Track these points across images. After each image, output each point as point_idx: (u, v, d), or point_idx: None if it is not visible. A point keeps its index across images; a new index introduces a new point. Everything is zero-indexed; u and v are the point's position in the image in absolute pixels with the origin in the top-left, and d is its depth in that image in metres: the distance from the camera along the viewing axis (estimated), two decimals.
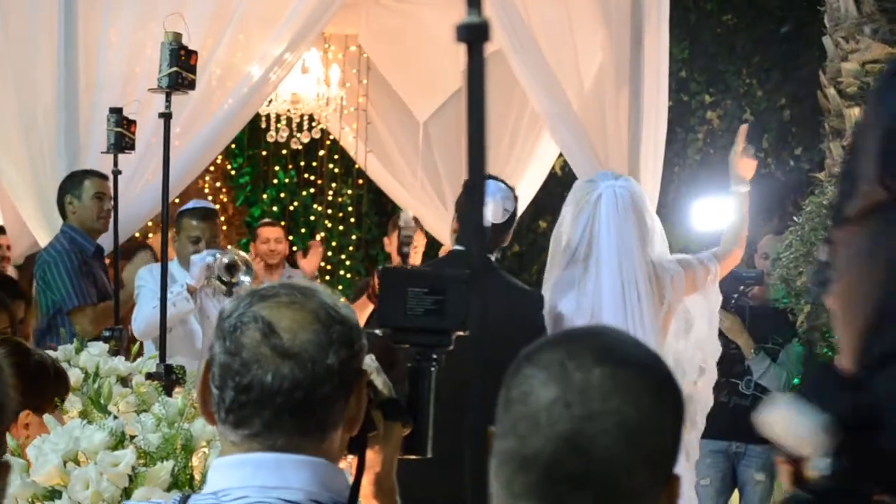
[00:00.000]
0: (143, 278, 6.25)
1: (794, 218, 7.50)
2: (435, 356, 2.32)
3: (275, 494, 2.00)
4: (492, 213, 5.20)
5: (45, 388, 3.56)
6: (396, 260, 8.29)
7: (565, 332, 1.79)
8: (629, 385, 1.64)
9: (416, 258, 8.21)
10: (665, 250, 5.53)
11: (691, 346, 5.55)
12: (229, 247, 6.58)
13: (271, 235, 8.97)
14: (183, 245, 6.45)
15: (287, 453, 2.02)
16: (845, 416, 1.88)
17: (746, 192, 5.75)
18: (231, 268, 6.04)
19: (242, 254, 6.20)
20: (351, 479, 2.09)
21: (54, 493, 2.78)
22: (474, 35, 1.12)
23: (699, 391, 5.59)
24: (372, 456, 2.16)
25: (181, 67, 4.57)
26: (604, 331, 1.74)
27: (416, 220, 7.76)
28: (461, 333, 2.30)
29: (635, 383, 1.64)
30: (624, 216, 5.25)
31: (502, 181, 5.55)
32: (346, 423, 2.08)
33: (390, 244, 8.75)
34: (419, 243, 8.21)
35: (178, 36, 4.58)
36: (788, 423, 1.89)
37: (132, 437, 2.86)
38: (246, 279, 6.01)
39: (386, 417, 2.20)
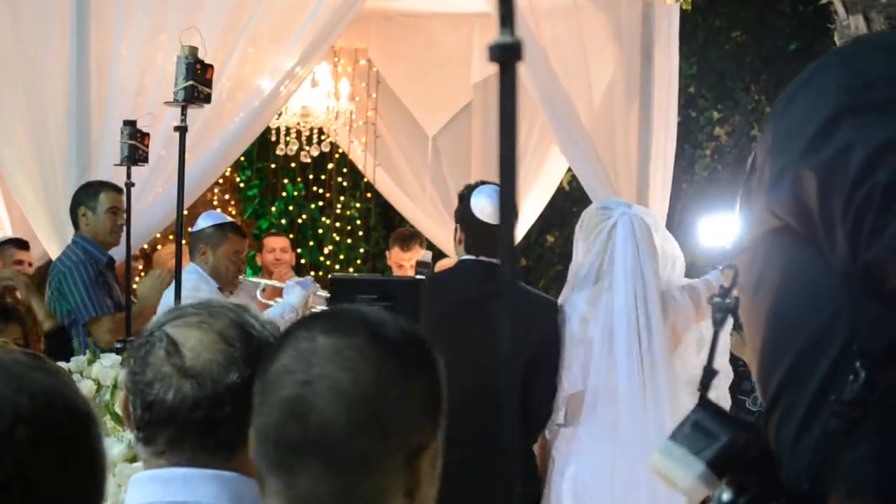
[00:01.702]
0: (164, 306, 6.29)
1: None
2: None
3: None
4: (490, 214, 5.20)
5: None
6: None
7: (325, 310, 1.82)
8: (348, 351, 1.65)
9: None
10: (680, 274, 5.51)
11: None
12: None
13: (277, 245, 8.99)
14: (227, 259, 6.52)
15: (195, 468, 2.04)
16: (721, 461, 1.87)
17: None
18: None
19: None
20: None
21: None
22: (507, 55, 1.13)
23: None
24: None
25: (197, 81, 4.59)
26: (349, 307, 1.76)
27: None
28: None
29: (357, 350, 1.66)
30: (642, 244, 5.25)
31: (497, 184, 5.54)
32: None
33: (390, 258, 8.77)
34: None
35: (194, 50, 4.60)
36: (669, 474, 1.88)
37: None
38: None
39: None
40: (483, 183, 5.40)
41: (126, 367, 2.10)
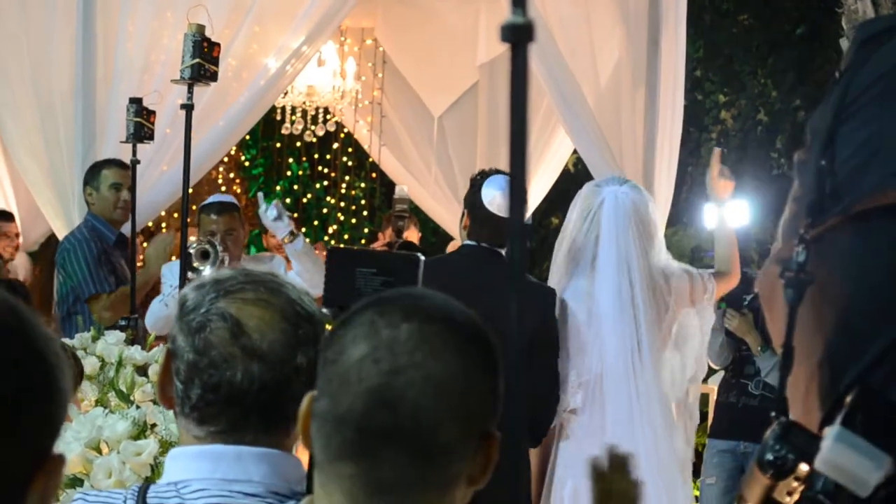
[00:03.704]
0: (164, 275, 6.28)
1: None
2: None
3: (236, 488, 2.00)
4: (499, 206, 5.20)
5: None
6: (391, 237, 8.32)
7: (378, 295, 1.77)
8: (435, 340, 1.64)
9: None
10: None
11: (686, 357, 5.51)
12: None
13: None
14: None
15: (247, 447, 2.02)
16: None
17: (727, 212, 5.76)
18: (205, 255, 5.98)
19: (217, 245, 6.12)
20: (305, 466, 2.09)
21: (76, 481, 2.80)
22: (519, 35, 1.12)
23: (691, 403, 5.57)
24: None
25: (203, 59, 4.58)
26: (414, 291, 1.77)
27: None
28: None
29: (441, 338, 1.65)
30: (624, 223, 5.22)
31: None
32: None
33: (383, 238, 8.77)
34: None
35: (201, 28, 4.59)
36: (847, 464, 1.86)
37: (153, 427, 2.87)
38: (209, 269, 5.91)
39: None
40: (497, 172, 5.38)
41: (177, 346, 2.04)
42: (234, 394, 2.00)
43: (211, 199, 6.72)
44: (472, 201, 5.27)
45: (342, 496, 1.65)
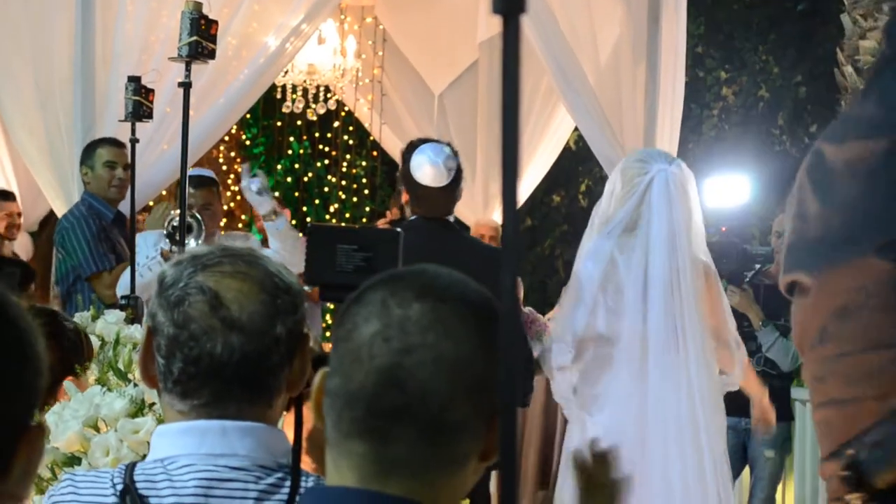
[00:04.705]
0: (138, 245, 6.12)
1: None
2: None
3: (222, 462, 2.01)
4: (432, 178, 5.12)
5: (80, 357, 3.58)
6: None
7: (390, 272, 1.77)
8: (447, 319, 1.64)
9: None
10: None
11: None
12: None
13: None
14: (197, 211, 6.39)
15: (233, 420, 2.03)
16: None
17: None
18: (189, 229, 5.85)
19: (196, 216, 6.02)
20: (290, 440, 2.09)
21: (74, 460, 2.80)
22: (510, 7, 1.11)
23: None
24: (304, 412, 2.14)
25: (201, 37, 4.56)
26: (428, 268, 1.74)
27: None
28: None
29: (453, 318, 1.65)
30: (676, 204, 5.16)
31: (438, 141, 5.46)
32: (288, 385, 2.09)
33: (390, 217, 8.75)
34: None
35: (198, 5, 4.57)
36: None
37: (151, 405, 2.87)
38: (192, 243, 5.80)
39: None
40: (424, 141, 5.31)
41: (157, 322, 2.04)
42: (215, 366, 2.01)
43: (189, 172, 6.68)
44: (405, 177, 5.20)
45: (353, 473, 1.65)
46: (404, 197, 5.24)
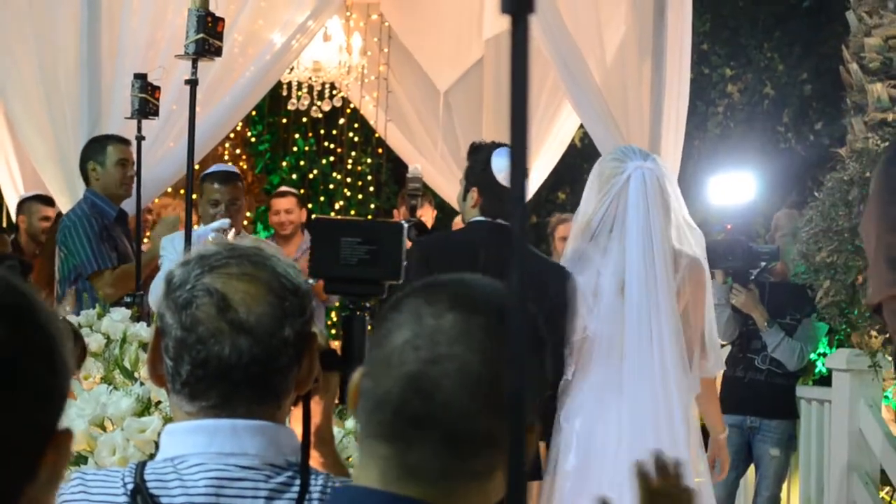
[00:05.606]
0: (165, 248, 6.16)
1: (815, 193, 7.46)
2: (368, 305, 2.34)
3: (232, 461, 2.01)
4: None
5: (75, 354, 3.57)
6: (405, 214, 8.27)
7: (430, 279, 1.77)
8: (476, 332, 1.64)
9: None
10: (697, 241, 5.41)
11: None
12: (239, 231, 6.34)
13: (281, 207, 8.93)
14: (204, 208, 6.37)
15: (242, 419, 2.03)
16: None
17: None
18: None
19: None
20: (298, 436, 2.10)
21: (80, 459, 2.80)
22: (519, 6, 1.11)
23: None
24: (312, 407, 2.16)
25: (208, 34, 4.57)
26: (467, 278, 1.75)
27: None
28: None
29: (483, 331, 1.65)
30: (652, 201, 5.14)
31: (504, 144, 5.45)
32: (296, 384, 2.09)
33: (399, 216, 8.74)
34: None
35: (205, 3, 4.57)
36: None
37: (157, 404, 2.87)
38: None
39: (324, 368, 2.20)
40: (494, 144, 5.28)
41: (165, 323, 2.05)
42: (223, 368, 2.00)
43: (214, 167, 6.68)
44: (482, 175, 5.17)
45: (376, 474, 1.67)
46: (474, 197, 5.16)
